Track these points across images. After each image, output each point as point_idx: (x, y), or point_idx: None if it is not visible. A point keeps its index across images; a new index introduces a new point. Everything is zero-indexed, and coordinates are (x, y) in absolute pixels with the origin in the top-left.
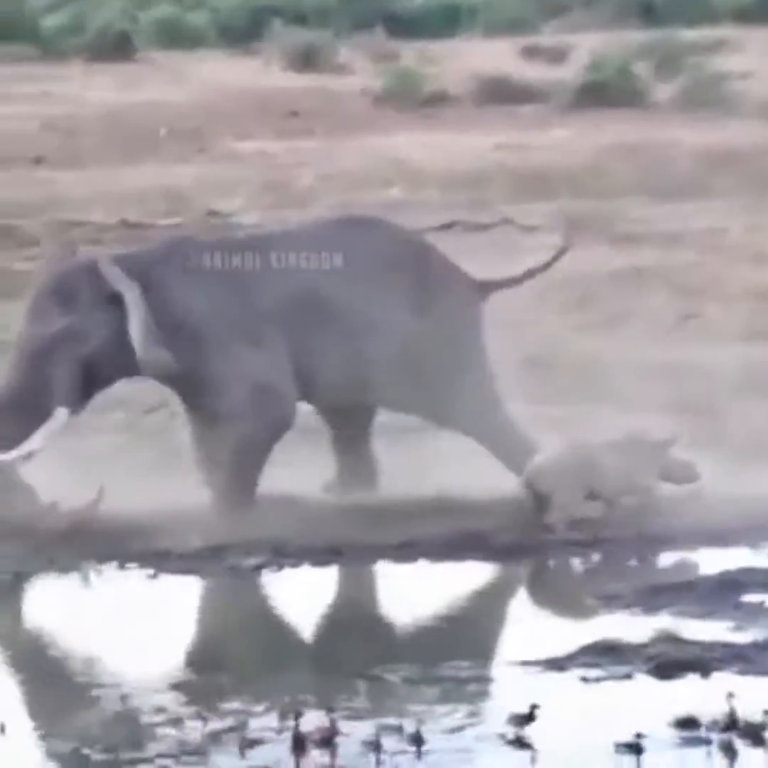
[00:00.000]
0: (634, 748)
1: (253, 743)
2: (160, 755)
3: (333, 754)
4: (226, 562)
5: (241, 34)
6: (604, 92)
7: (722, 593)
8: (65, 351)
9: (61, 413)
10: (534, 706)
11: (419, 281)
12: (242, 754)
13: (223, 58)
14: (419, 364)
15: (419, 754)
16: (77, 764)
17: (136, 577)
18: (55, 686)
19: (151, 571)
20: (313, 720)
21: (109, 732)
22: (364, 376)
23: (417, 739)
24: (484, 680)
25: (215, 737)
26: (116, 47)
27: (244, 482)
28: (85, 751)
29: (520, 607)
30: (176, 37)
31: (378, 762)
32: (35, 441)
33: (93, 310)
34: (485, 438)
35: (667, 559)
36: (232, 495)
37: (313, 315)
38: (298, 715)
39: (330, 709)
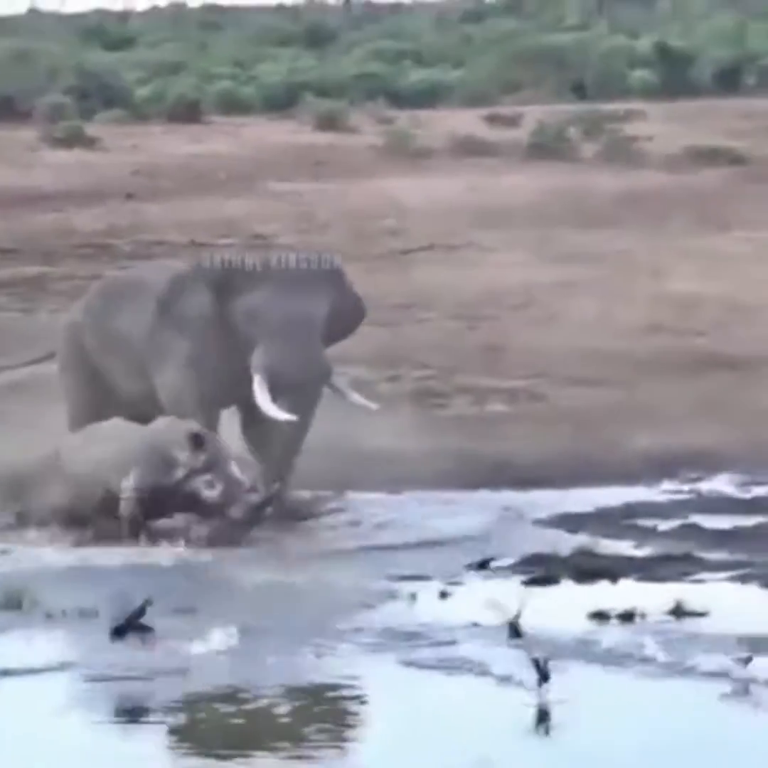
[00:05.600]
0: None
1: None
2: None
3: None
4: None
5: (280, 104)
6: (546, 149)
7: (625, 519)
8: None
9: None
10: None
11: None
12: None
13: (267, 122)
14: None
15: None
16: None
17: None
18: None
19: None
20: None
21: None
22: None
23: None
24: None
25: None
26: (188, 112)
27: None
28: None
29: None
30: (232, 105)
31: None
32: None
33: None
34: None
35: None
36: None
37: None
38: None
39: None
